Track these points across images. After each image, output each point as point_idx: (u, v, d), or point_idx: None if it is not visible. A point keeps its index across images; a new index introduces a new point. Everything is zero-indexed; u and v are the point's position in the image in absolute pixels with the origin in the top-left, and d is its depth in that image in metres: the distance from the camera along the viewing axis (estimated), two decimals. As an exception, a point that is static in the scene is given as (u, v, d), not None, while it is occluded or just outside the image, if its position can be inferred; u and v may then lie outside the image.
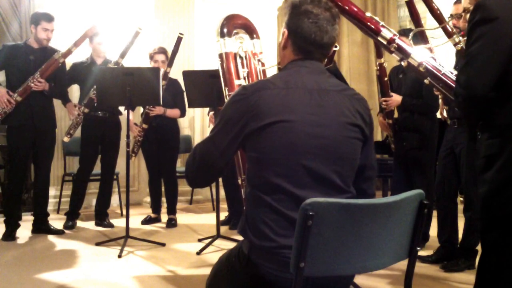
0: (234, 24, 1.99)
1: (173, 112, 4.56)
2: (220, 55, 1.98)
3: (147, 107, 4.41)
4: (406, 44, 2.33)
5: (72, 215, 4.46)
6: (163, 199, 4.81)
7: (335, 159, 1.42)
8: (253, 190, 1.45)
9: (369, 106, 1.56)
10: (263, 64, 1.99)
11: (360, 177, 1.54)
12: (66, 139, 4.32)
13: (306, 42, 1.49)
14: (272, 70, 2.04)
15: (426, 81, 2.43)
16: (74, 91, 4.82)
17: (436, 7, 2.88)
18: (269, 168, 1.40)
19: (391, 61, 4.68)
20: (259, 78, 2.00)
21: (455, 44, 2.89)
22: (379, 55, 3.74)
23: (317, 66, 1.52)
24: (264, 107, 1.41)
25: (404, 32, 3.47)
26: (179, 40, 4.31)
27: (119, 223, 4.59)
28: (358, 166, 1.50)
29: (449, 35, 2.89)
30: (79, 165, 4.54)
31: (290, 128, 1.40)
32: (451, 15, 3.11)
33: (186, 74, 4.09)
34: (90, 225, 4.57)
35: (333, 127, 1.43)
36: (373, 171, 1.59)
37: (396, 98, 3.77)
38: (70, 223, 4.41)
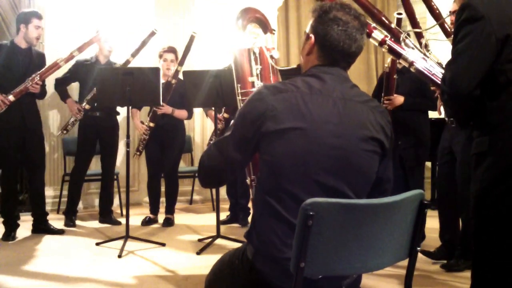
0: (249, 18, 1.94)
1: (180, 113, 4.56)
2: (234, 51, 1.93)
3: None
4: (397, 45, 2.34)
5: (70, 213, 4.48)
6: (162, 199, 4.81)
7: (350, 171, 1.39)
8: (263, 195, 1.42)
9: (390, 118, 1.52)
10: (274, 60, 1.94)
11: (377, 190, 1.51)
12: (61, 134, 4.33)
13: (334, 50, 1.46)
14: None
15: None
16: (74, 88, 4.81)
17: (435, 6, 2.87)
18: (282, 174, 1.38)
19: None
20: (271, 76, 1.95)
21: None
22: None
23: (342, 74, 1.48)
24: (284, 110, 1.38)
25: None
26: (191, 39, 4.30)
27: (119, 223, 4.59)
28: (375, 178, 1.47)
29: (447, 34, 2.89)
30: (74, 164, 4.56)
31: (308, 136, 1.36)
32: (450, 12, 3.11)
33: (186, 74, 4.09)
34: (90, 225, 4.57)
35: (352, 139, 1.40)
36: (389, 184, 1.56)
37: (399, 98, 3.78)
38: (71, 222, 4.42)
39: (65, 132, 4.33)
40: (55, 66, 4.04)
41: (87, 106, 4.27)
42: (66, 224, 4.40)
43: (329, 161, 1.37)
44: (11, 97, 3.89)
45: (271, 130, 1.38)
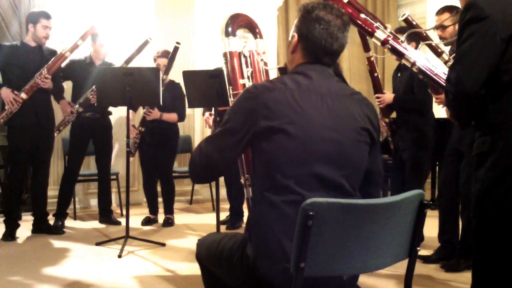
0: (238, 23, 1.99)
1: (170, 117, 4.55)
2: (225, 54, 1.98)
3: (145, 110, 4.42)
4: (399, 45, 2.34)
5: (61, 215, 4.41)
6: (160, 200, 4.81)
7: (345, 164, 1.43)
8: (262, 194, 1.43)
9: (376, 110, 1.56)
10: (265, 64, 1.99)
11: (367, 182, 1.54)
12: (54, 134, 4.33)
13: (316, 48, 1.50)
14: (274, 71, 2.03)
15: None
16: (67, 88, 4.77)
17: (424, 32, 2.94)
18: (279, 171, 1.40)
19: (389, 58, 4.67)
20: (263, 78, 2.00)
21: (445, 62, 2.92)
22: (366, 48, 3.69)
23: (326, 70, 1.53)
24: (276, 107, 1.40)
25: (402, 30, 3.46)
26: (175, 49, 4.29)
27: (119, 223, 4.58)
28: (365, 170, 1.50)
29: (437, 53, 2.95)
30: (66, 164, 4.56)
31: (303, 131, 1.39)
32: (436, 26, 3.12)
33: (186, 74, 4.09)
34: (90, 225, 4.57)
35: (345, 132, 1.44)
36: (380, 176, 1.60)
37: (389, 95, 3.77)
38: (60, 224, 4.35)
39: (57, 132, 4.33)
40: (61, 57, 4.04)
41: (80, 109, 4.27)
42: (54, 227, 4.26)
43: (326, 155, 1.40)
44: (23, 95, 3.89)
45: (264, 128, 1.40)
